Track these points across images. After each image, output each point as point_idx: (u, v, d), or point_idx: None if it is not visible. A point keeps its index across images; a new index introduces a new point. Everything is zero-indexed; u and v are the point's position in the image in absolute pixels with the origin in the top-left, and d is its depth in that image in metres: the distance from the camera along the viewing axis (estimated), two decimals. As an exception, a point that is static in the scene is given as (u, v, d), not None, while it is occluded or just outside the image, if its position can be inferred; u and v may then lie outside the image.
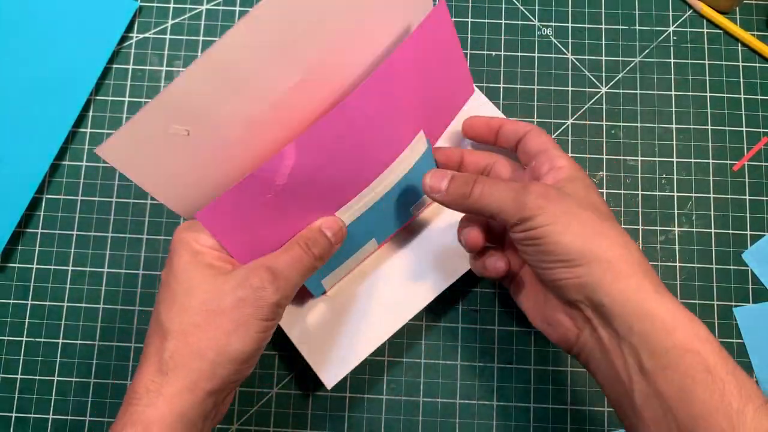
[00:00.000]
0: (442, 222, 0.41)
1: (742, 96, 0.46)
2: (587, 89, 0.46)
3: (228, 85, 0.30)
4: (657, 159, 0.45)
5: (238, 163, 0.33)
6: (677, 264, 0.44)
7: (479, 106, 0.42)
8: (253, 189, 0.31)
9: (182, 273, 0.32)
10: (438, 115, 0.40)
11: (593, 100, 0.46)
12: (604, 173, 0.45)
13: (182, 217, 0.34)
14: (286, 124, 0.33)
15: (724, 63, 0.46)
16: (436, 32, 0.35)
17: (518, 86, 0.46)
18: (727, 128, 0.45)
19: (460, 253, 0.39)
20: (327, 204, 0.35)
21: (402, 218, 0.40)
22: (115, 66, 0.46)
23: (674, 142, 0.45)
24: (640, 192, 0.45)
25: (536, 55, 0.47)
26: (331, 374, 0.39)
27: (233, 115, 0.31)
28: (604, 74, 0.46)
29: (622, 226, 0.44)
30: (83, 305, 0.43)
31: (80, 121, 0.46)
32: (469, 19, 0.47)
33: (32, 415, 0.42)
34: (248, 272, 0.31)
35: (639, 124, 0.46)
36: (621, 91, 0.46)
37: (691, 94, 0.46)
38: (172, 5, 0.47)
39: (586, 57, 0.47)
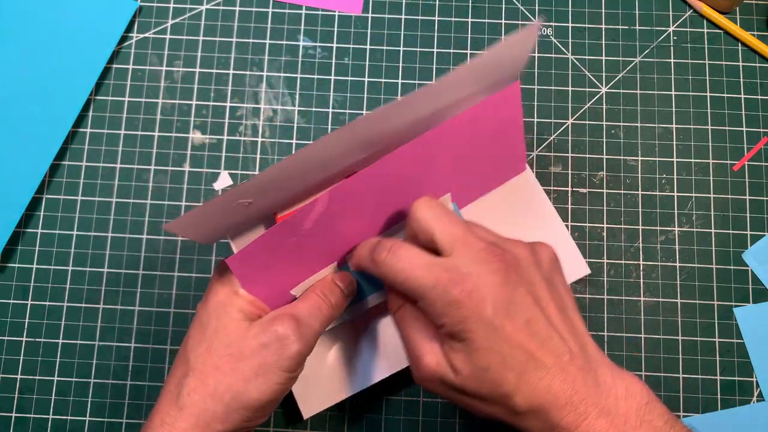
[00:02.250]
0: None
1: (742, 96, 0.46)
2: (587, 89, 0.46)
3: (302, 171, 0.31)
4: (657, 159, 0.45)
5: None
6: (677, 264, 0.44)
7: (526, 184, 0.41)
8: (282, 234, 0.32)
9: (214, 311, 0.32)
10: (476, 183, 0.40)
11: (593, 100, 0.46)
12: (604, 173, 0.45)
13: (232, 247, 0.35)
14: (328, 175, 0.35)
15: (724, 63, 0.46)
16: (503, 108, 0.35)
17: (518, 86, 0.46)
18: (727, 128, 0.45)
19: None
20: (340, 249, 0.36)
21: None
22: (115, 66, 0.46)
23: (674, 142, 0.45)
24: (640, 192, 0.45)
25: (536, 55, 0.47)
26: (311, 406, 0.39)
27: (296, 186, 0.33)
28: (604, 74, 0.46)
29: (622, 226, 0.44)
30: (83, 305, 0.43)
31: (80, 121, 0.46)
32: (470, 19, 0.47)
33: (32, 415, 0.42)
34: (272, 319, 0.32)
35: (639, 124, 0.46)
36: (621, 91, 0.46)
37: (691, 94, 0.46)
38: (172, 5, 0.47)
39: (586, 57, 0.47)
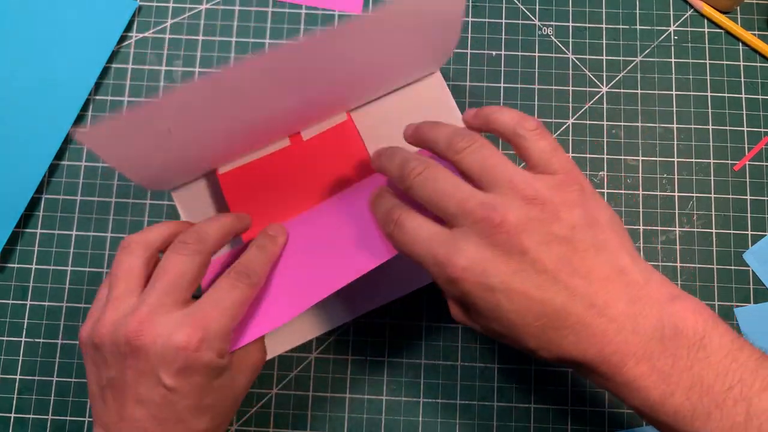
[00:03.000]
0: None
1: (743, 96, 0.46)
2: (588, 89, 0.46)
3: (226, 99, 0.30)
4: (658, 159, 0.45)
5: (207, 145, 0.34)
6: (678, 264, 0.44)
7: (435, 89, 0.40)
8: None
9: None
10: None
11: (594, 100, 0.46)
12: (605, 173, 0.45)
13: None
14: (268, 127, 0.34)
15: (725, 62, 0.46)
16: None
17: (519, 86, 0.46)
18: (728, 128, 0.45)
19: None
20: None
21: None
22: (114, 66, 0.46)
23: (675, 142, 0.45)
24: (640, 192, 0.45)
25: (537, 54, 0.46)
26: (275, 347, 0.39)
27: (219, 118, 0.31)
28: (604, 74, 0.46)
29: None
30: (83, 305, 0.43)
31: (80, 121, 0.46)
32: (470, 19, 0.47)
33: (31, 416, 0.42)
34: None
35: (640, 124, 0.45)
36: (622, 90, 0.46)
37: (692, 93, 0.46)
38: (171, 5, 0.47)
39: (587, 56, 0.46)
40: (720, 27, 0.47)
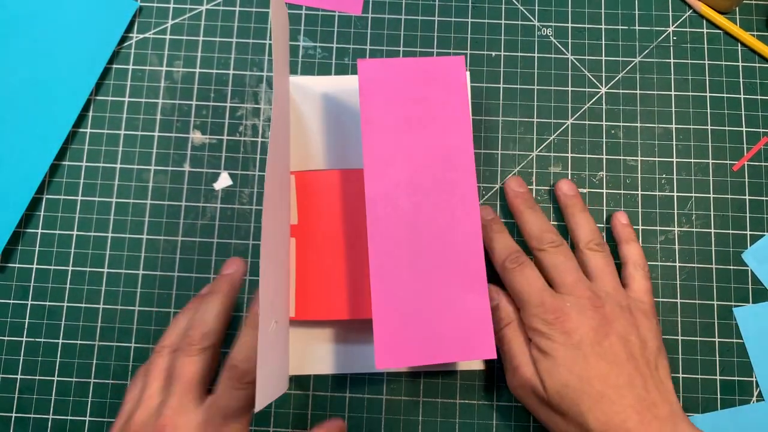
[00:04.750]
0: None
1: (742, 96, 0.46)
2: (587, 89, 0.46)
3: None
4: (657, 159, 0.45)
5: None
6: (677, 264, 0.44)
7: None
8: None
9: None
10: None
11: (593, 100, 0.46)
12: (604, 173, 0.45)
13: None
14: None
15: (723, 63, 0.46)
16: None
17: (518, 86, 0.46)
18: (726, 128, 0.45)
19: None
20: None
21: None
22: (115, 66, 0.46)
23: (674, 142, 0.45)
24: (639, 192, 0.45)
25: (536, 55, 0.47)
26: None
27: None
28: (603, 74, 0.46)
29: (622, 226, 0.44)
30: (83, 305, 0.43)
31: (80, 121, 0.46)
32: (470, 19, 0.47)
33: (32, 415, 0.42)
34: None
35: (639, 124, 0.46)
36: (621, 91, 0.46)
37: (690, 94, 0.46)
38: (172, 5, 0.47)
39: (586, 57, 0.47)
40: (719, 28, 0.47)
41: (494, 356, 0.35)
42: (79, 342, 0.43)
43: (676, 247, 0.44)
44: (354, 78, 0.45)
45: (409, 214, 0.36)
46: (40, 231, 0.44)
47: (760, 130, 0.45)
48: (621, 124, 0.46)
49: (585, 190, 0.45)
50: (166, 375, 0.36)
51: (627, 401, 0.34)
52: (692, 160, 0.45)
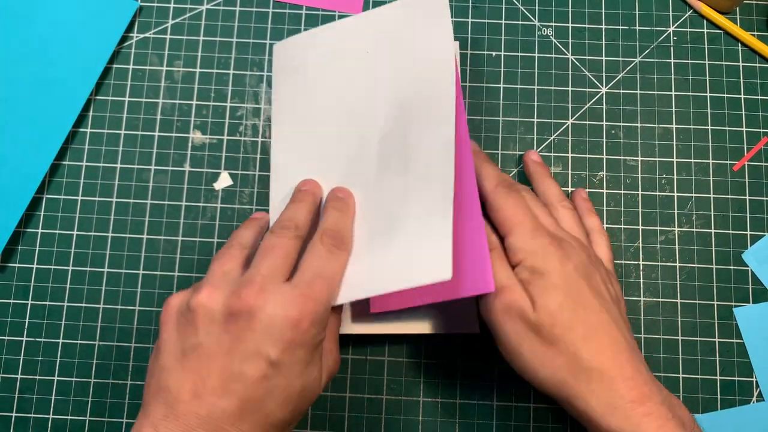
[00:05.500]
0: None
1: (742, 96, 0.46)
2: (587, 89, 0.46)
3: None
4: (657, 159, 0.45)
5: None
6: (677, 264, 0.44)
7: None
8: None
9: None
10: None
11: (593, 100, 0.46)
12: (604, 173, 0.45)
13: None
14: None
15: (724, 63, 0.46)
16: None
17: (518, 86, 0.46)
18: (727, 128, 0.45)
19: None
20: None
21: None
22: (115, 66, 0.46)
23: (674, 142, 0.45)
24: (640, 192, 0.45)
25: (536, 55, 0.47)
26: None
27: None
28: (604, 74, 0.46)
29: (622, 226, 0.44)
30: (83, 305, 0.43)
31: (80, 121, 0.46)
32: (470, 19, 0.47)
33: (32, 415, 0.42)
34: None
35: (639, 124, 0.46)
36: (621, 91, 0.46)
37: (691, 94, 0.46)
38: (172, 5, 0.47)
39: (586, 57, 0.47)
40: (719, 28, 0.47)
41: (492, 289, 0.33)
42: (79, 342, 0.43)
43: (677, 247, 0.44)
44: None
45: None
46: (40, 231, 0.44)
47: (761, 130, 0.45)
48: (621, 124, 0.46)
49: (585, 190, 0.45)
50: (246, 254, 0.34)
51: (617, 337, 0.32)
52: (692, 160, 0.45)
